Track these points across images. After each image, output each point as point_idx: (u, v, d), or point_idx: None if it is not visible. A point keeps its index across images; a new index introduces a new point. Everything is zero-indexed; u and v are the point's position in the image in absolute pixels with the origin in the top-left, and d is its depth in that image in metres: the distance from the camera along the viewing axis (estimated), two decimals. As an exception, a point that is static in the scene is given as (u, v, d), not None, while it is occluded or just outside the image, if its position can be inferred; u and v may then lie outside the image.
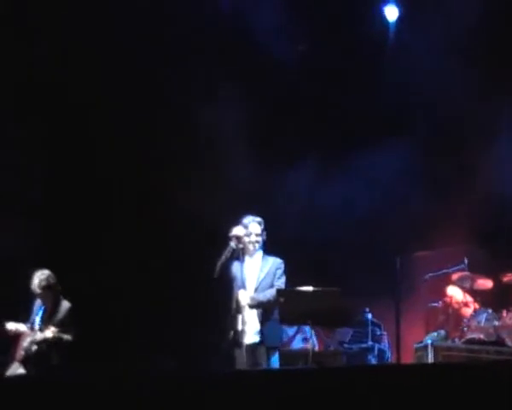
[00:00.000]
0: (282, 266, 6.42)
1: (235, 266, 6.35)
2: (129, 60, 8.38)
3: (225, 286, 6.28)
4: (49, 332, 6.56)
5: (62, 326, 6.64)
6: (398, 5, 8.75)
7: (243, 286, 6.30)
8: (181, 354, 7.89)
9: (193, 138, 8.56)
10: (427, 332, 7.79)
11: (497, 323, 7.30)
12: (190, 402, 4.11)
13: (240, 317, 6.19)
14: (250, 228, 6.34)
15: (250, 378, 4.42)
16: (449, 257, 7.89)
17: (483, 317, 7.36)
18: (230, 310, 6.23)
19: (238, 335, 6.17)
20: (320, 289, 6.10)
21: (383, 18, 8.77)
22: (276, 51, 8.39)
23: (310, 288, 6.10)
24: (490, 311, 7.41)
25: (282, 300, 6.09)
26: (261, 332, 6.24)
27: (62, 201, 8.40)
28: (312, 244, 8.40)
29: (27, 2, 8.25)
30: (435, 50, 8.32)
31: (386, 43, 8.80)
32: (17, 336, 6.74)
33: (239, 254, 6.28)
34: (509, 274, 7.63)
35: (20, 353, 6.69)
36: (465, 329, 7.37)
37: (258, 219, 6.44)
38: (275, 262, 6.41)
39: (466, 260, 7.81)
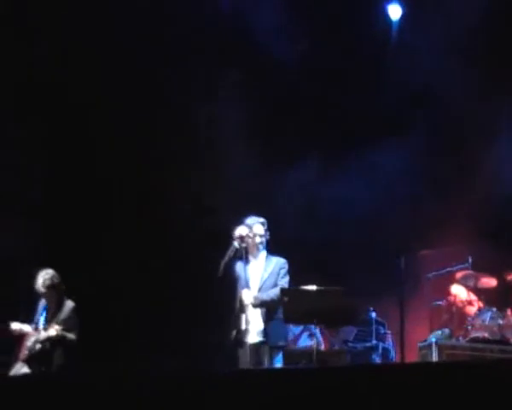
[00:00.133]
0: (286, 265, 6.43)
1: (239, 266, 6.36)
2: (129, 60, 8.40)
3: (229, 286, 6.27)
4: (53, 330, 6.58)
5: (66, 325, 6.66)
6: (400, 4, 8.74)
7: (247, 286, 6.30)
8: (182, 353, 7.88)
9: (193, 138, 8.56)
10: (432, 331, 7.78)
11: (501, 321, 7.30)
12: (192, 402, 4.09)
13: (243, 316, 6.20)
14: (254, 229, 6.36)
15: (252, 377, 4.40)
16: (453, 256, 7.89)
17: (487, 315, 7.35)
18: (234, 310, 6.22)
19: (241, 334, 6.18)
20: (324, 288, 6.10)
21: (385, 17, 8.76)
22: (277, 51, 8.40)
23: (314, 287, 6.09)
24: (494, 309, 7.41)
25: (286, 299, 6.08)
26: (265, 332, 6.25)
27: (62, 201, 8.41)
28: (314, 244, 8.39)
29: (27, 3, 8.25)
30: (436, 50, 8.33)
31: (388, 42, 8.79)
32: (21, 336, 6.75)
33: (242, 254, 6.27)
34: (514, 273, 7.64)
35: (24, 352, 6.70)
36: (469, 327, 7.36)
37: (262, 219, 6.45)
38: (278, 262, 6.43)
39: (470, 259, 7.82)
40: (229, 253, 6.25)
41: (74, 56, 8.28)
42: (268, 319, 6.24)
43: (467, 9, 8.01)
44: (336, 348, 8.05)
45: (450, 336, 7.54)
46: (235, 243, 6.24)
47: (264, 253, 6.46)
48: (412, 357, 7.40)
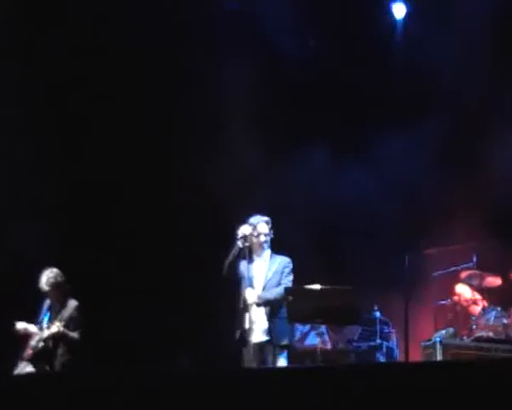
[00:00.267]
0: (290, 264, 6.44)
1: (243, 265, 6.35)
2: (136, 53, 8.39)
3: (233, 285, 6.29)
4: (54, 327, 6.61)
5: (69, 324, 6.69)
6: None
7: (251, 285, 6.30)
8: (186, 353, 7.91)
9: (203, 128, 8.55)
10: (436, 330, 7.73)
11: (506, 321, 7.26)
12: (196, 401, 4.11)
13: (247, 315, 6.20)
14: (258, 228, 6.36)
15: (256, 377, 4.42)
16: (457, 255, 7.85)
17: (492, 315, 7.33)
18: (238, 309, 6.23)
19: (245, 333, 6.18)
20: (328, 287, 6.10)
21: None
22: (287, 43, 8.41)
23: (318, 286, 6.10)
24: (499, 309, 7.37)
25: (290, 298, 6.09)
26: (269, 330, 6.25)
27: (71, 200, 8.42)
28: (317, 241, 8.39)
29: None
30: (451, 35, 8.24)
31: (396, 31, 8.80)
32: (27, 336, 6.78)
33: (245, 254, 6.28)
34: (519, 272, 7.63)
35: (29, 352, 6.73)
36: (474, 327, 7.34)
37: (266, 218, 6.45)
38: (282, 261, 6.43)
39: (474, 258, 7.78)
40: (233, 252, 6.25)
41: (82, 50, 8.31)
42: (272, 317, 6.24)
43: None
44: (340, 347, 8.06)
45: (455, 336, 7.50)
46: (239, 243, 6.26)
47: (268, 252, 6.46)
48: (416, 356, 7.39)
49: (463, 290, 7.83)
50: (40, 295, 6.87)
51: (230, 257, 6.26)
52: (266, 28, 8.49)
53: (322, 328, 7.29)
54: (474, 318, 7.47)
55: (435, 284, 8.05)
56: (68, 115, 8.46)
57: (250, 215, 6.46)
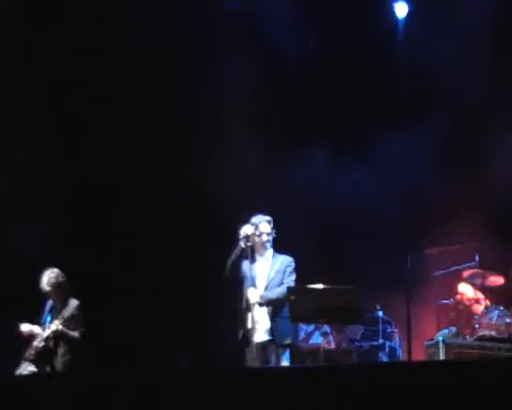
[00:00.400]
0: (293, 264, 6.43)
1: (245, 265, 6.34)
2: (136, 53, 8.38)
3: (235, 285, 6.27)
4: (53, 325, 6.62)
5: (70, 323, 6.69)
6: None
7: (253, 285, 6.29)
8: (189, 352, 7.89)
9: (203, 128, 8.54)
10: (439, 329, 7.74)
11: (508, 320, 7.26)
12: (199, 401, 4.09)
13: (249, 315, 6.18)
14: (260, 228, 6.35)
15: (257, 376, 4.40)
16: (460, 254, 7.84)
17: (494, 314, 7.31)
18: (240, 309, 6.21)
19: (248, 333, 6.17)
20: (331, 286, 6.10)
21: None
22: (287, 42, 8.40)
23: (320, 285, 6.08)
24: (501, 308, 7.36)
25: (292, 298, 6.07)
26: (271, 330, 6.24)
27: (71, 200, 8.40)
28: (319, 240, 8.37)
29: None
30: (453, 34, 8.22)
31: (397, 32, 8.78)
32: (31, 337, 6.77)
33: (248, 253, 6.26)
34: (521, 271, 7.62)
35: (31, 352, 6.72)
36: (476, 326, 7.32)
37: (268, 217, 6.45)
38: (285, 260, 6.43)
39: (477, 257, 7.77)
40: (236, 252, 6.25)
41: (82, 50, 8.30)
42: (274, 317, 6.24)
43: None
44: (343, 346, 8.04)
45: (458, 335, 7.49)
46: (242, 243, 6.24)
47: (270, 251, 6.46)
48: (419, 356, 7.38)
49: (466, 290, 7.83)
50: (40, 296, 6.87)
51: (233, 257, 6.26)
52: (266, 28, 8.49)
53: (327, 328, 7.27)
54: (476, 317, 7.45)
55: (437, 284, 8.03)
56: (68, 115, 8.45)
57: (252, 215, 6.44)
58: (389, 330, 8.15)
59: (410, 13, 8.79)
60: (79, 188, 8.41)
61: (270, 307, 6.27)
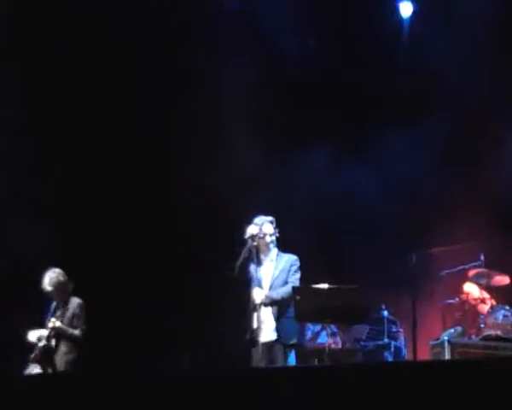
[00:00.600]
0: (297, 262, 6.43)
1: (252, 266, 6.33)
2: (136, 53, 8.35)
3: (244, 286, 6.23)
4: (51, 323, 6.61)
5: (72, 321, 6.67)
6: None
7: (259, 285, 6.27)
8: (194, 352, 7.85)
9: (203, 128, 8.50)
10: (444, 329, 7.74)
11: (514, 319, 7.22)
12: (204, 400, 4.04)
13: (255, 315, 6.16)
14: (263, 229, 6.33)
15: (261, 376, 4.36)
16: (465, 254, 7.84)
17: (500, 313, 7.31)
18: (247, 309, 6.20)
19: (254, 333, 6.14)
20: (336, 286, 6.06)
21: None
22: (288, 42, 8.38)
23: (325, 285, 6.05)
24: (507, 307, 7.36)
25: (297, 297, 6.03)
26: (277, 330, 6.22)
27: (71, 200, 8.36)
28: (323, 239, 8.34)
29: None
30: (454, 34, 8.19)
31: (401, 31, 8.75)
32: (38, 340, 6.75)
33: (253, 254, 6.25)
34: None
35: (36, 353, 6.71)
36: (482, 326, 7.32)
37: (270, 218, 6.44)
38: (289, 259, 6.42)
39: (482, 257, 7.77)
40: (244, 254, 6.23)
41: (82, 50, 8.28)
42: (280, 317, 6.23)
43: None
44: (348, 346, 8.00)
45: (463, 335, 7.49)
46: (249, 244, 6.22)
47: (275, 251, 6.45)
48: (424, 355, 7.37)
49: (471, 289, 7.81)
50: (41, 296, 6.85)
51: (241, 258, 6.20)
52: (266, 28, 8.48)
53: (334, 328, 7.23)
54: (482, 316, 7.45)
55: (443, 283, 8.02)
56: (68, 115, 8.44)
57: (254, 216, 6.42)
58: (394, 329, 8.15)
59: (414, 12, 8.75)
60: (79, 188, 8.40)
61: (275, 307, 6.26)
